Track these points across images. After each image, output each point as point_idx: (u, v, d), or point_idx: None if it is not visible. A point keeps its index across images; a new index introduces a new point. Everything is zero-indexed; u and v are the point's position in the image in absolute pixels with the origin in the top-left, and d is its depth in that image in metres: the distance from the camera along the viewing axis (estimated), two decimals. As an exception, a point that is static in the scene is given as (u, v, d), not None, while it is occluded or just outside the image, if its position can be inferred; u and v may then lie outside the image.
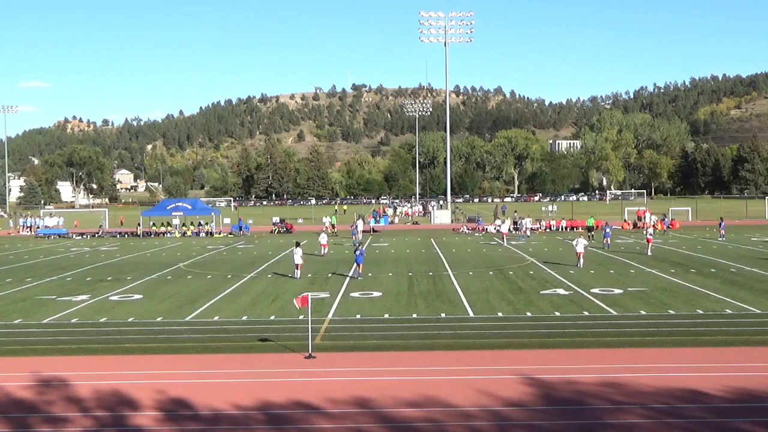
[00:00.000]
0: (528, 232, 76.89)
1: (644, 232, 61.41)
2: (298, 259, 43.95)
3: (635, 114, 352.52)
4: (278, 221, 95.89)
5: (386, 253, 60.56)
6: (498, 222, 79.20)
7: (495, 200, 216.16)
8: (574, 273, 44.52)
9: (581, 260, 47.56)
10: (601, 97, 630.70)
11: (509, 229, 75.65)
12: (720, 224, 71.87)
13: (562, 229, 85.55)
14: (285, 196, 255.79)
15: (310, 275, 44.72)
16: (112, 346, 25.82)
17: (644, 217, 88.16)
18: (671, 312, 30.70)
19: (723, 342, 24.92)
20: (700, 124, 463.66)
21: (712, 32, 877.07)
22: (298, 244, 45.31)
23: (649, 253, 55.42)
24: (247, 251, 65.31)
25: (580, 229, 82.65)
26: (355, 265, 44.67)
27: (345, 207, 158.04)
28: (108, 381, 21.01)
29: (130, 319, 31.09)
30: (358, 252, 44.91)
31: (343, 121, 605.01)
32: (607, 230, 62.82)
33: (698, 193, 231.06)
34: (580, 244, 48.35)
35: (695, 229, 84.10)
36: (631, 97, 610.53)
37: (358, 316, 30.88)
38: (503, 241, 68.84)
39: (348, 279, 43.38)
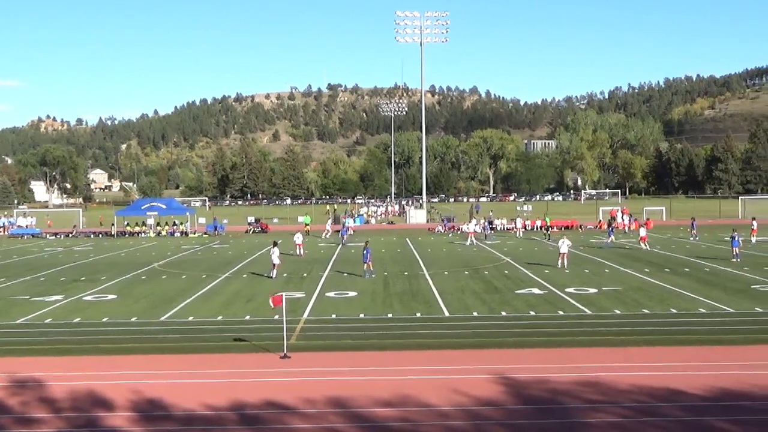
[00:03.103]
0: (490, 232, 77.12)
1: (637, 233, 62.98)
2: (275, 259, 43.91)
3: (610, 114, 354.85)
4: (253, 221, 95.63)
5: (361, 253, 60.35)
6: (473, 222, 79.40)
7: (470, 200, 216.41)
8: (549, 272, 44.66)
9: (565, 261, 47.43)
10: (576, 97, 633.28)
11: (483, 229, 75.87)
12: (692, 224, 72.45)
13: (537, 228, 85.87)
14: (260, 195, 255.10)
15: (285, 275, 44.65)
16: (86, 347, 25.65)
17: (617, 217, 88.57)
18: (645, 311, 30.86)
19: (697, 341, 25.07)
20: (674, 124, 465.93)
21: (687, 33, 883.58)
22: (275, 244, 45.25)
23: (648, 248, 58.14)
24: (222, 251, 65.10)
25: (562, 229, 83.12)
26: (365, 264, 44.38)
27: (335, 206, 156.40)
28: (82, 381, 20.87)
29: (105, 320, 30.91)
30: (365, 251, 44.73)
31: (318, 121, 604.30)
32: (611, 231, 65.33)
33: (672, 193, 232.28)
34: (564, 245, 48.02)
35: (669, 229, 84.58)
36: (606, 97, 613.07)
37: (334, 316, 30.84)
38: (467, 240, 68.66)
39: (323, 278, 43.40)
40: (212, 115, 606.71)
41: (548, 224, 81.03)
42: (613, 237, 64.34)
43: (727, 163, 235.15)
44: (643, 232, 61.45)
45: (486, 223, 78.48)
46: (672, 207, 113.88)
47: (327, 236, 78.80)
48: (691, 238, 69.24)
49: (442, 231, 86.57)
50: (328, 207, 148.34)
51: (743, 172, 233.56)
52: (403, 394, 19.18)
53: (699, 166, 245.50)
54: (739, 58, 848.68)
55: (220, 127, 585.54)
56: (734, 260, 49.34)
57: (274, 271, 43.92)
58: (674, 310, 30.95)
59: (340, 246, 67.19)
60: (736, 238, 50.85)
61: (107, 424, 17.53)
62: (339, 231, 75.64)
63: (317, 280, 43.00)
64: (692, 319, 29.23)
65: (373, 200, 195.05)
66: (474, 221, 78.29)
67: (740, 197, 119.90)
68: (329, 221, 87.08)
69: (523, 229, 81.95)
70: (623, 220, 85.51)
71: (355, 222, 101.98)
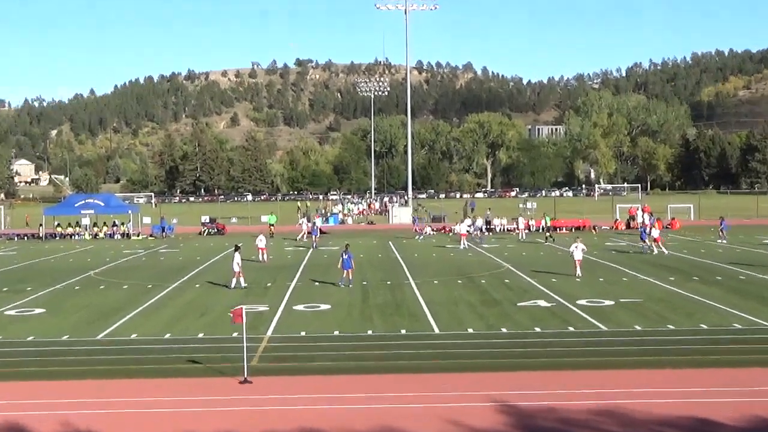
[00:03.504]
0: (485, 233, 77.44)
1: (647, 233, 62.52)
2: (235, 266, 43.66)
3: (628, 95, 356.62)
4: (208, 221, 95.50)
5: (335, 258, 60.28)
6: (468, 221, 79.32)
7: (464, 196, 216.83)
8: (556, 281, 44.70)
9: (578, 269, 47.02)
10: (589, 75, 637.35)
11: (481, 229, 76.01)
12: (720, 224, 72.60)
13: (542, 230, 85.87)
14: (216, 191, 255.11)
15: (246, 285, 44.37)
16: (8, 371, 25.43)
17: (637, 217, 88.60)
18: (670, 327, 30.90)
19: (731, 362, 25.07)
20: (703, 106, 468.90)
21: (717, 1, 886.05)
22: (237, 248, 44.97)
23: (665, 252, 58.44)
24: (170, 256, 65.00)
25: (572, 230, 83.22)
26: (344, 270, 44.36)
27: (307, 204, 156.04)
28: (3, 412, 20.69)
29: (31, 338, 30.70)
30: (346, 255, 44.58)
31: (285, 103, 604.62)
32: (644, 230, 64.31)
33: (701, 188, 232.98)
34: (578, 250, 47.37)
35: (698, 230, 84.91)
36: (623, 75, 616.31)
37: (303, 333, 30.77)
38: (461, 243, 68.28)
39: (291, 288, 43.35)
40: (159, 95, 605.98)
41: (548, 225, 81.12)
42: (647, 240, 62.96)
43: (765, 153, 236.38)
44: (656, 233, 60.87)
45: (481, 223, 78.57)
46: (701, 204, 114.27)
47: (303, 238, 78.24)
48: (719, 241, 69.51)
49: (431, 232, 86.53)
50: (299, 204, 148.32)
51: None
52: (385, 426, 19.12)
53: (733, 157, 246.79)
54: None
55: (168, 110, 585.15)
56: (774, 267, 49.60)
57: (234, 281, 43.76)
58: (704, 326, 31.02)
59: (311, 250, 67.18)
60: (776, 241, 51.05)
61: (33, 462, 17.39)
62: (310, 232, 75.53)
63: (283, 290, 42.94)
64: (725, 336, 29.30)
65: (349, 196, 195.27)
66: (468, 221, 78.29)
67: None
68: (303, 220, 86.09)
69: (527, 231, 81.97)
70: (644, 219, 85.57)
71: (328, 222, 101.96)
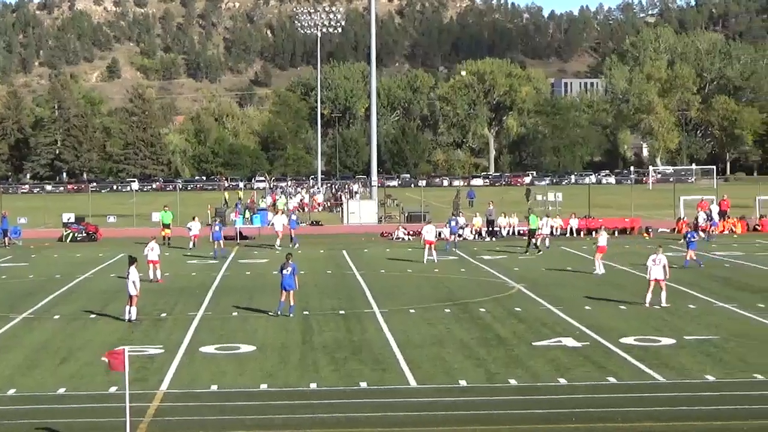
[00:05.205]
0: (455, 238, 76.73)
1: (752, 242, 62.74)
2: (131, 289, 43.18)
3: (698, 33, 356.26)
4: (73, 221, 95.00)
5: (264, 276, 60.28)
6: (460, 221, 79.42)
7: (455, 183, 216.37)
8: (591, 309, 44.89)
9: (663, 294, 45.83)
10: (641, 4, 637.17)
11: (479, 232, 76.05)
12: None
13: (572, 233, 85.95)
14: (86, 175, 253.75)
15: (130, 317, 43.98)
16: None
17: (710, 214, 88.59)
18: (758, 377, 31.13)
19: None
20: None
21: None
22: (132, 261, 44.49)
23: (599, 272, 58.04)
24: (16, 273, 64.87)
25: (614, 233, 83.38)
26: (283, 292, 44.02)
27: (240, 194, 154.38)
28: None
29: None
30: (288, 269, 44.01)
31: (188, 44, 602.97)
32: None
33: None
34: (659, 266, 45.68)
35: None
36: (692, 4, 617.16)
37: (214, 388, 30.77)
38: (425, 253, 67.48)
39: (197, 321, 43.26)
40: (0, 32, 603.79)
41: (531, 227, 78.39)
42: (691, 252, 62.62)
43: None
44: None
45: (462, 224, 78.52)
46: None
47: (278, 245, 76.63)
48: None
49: (406, 237, 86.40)
50: (226, 195, 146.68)
51: None
52: None
53: None
54: None
55: (13, 56, 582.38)
56: None
57: (129, 310, 43.28)
58: (809, 375, 31.26)
59: (226, 262, 67.11)
60: None
61: None
62: (227, 238, 75.29)
63: (185, 323, 42.96)
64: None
65: (284, 183, 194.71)
66: (459, 219, 78.54)
67: None
68: (192, 223, 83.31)
69: (550, 234, 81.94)
70: (708, 218, 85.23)
71: (252, 221, 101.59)
